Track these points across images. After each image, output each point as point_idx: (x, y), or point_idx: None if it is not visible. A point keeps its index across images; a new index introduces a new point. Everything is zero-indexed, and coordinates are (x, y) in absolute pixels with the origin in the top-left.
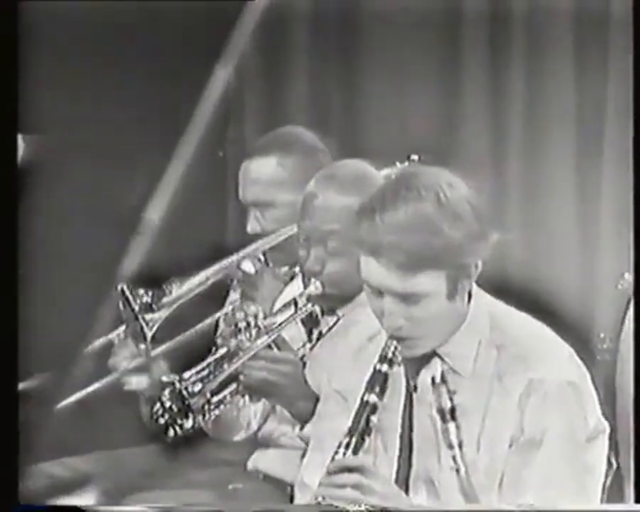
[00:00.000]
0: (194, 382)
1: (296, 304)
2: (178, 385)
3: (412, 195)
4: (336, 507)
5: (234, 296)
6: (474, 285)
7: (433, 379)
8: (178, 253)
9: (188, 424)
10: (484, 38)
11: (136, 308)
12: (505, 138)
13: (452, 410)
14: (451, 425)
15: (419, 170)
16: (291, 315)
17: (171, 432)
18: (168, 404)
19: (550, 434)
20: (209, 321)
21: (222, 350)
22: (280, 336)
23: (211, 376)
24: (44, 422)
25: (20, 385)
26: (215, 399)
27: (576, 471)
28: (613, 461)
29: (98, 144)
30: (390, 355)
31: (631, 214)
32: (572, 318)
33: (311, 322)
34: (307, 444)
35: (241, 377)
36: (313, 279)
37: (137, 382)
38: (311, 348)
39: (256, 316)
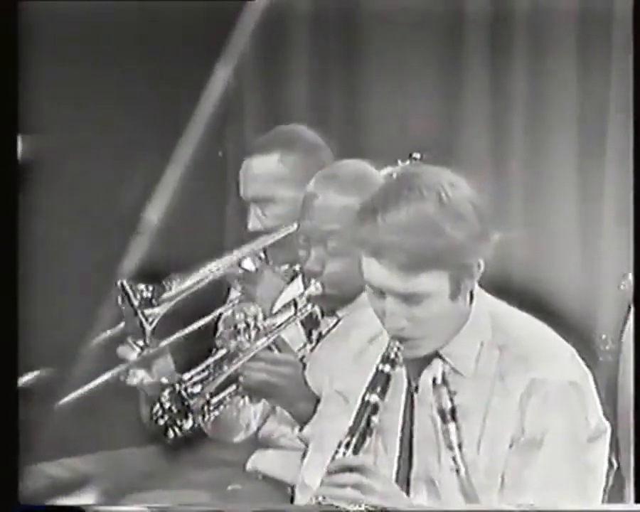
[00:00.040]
0: (194, 384)
1: (295, 304)
2: (177, 386)
3: (414, 195)
4: (337, 507)
5: (235, 294)
6: (476, 285)
7: (434, 380)
8: (177, 253)
9: (188, 425)
10: (486, 37)
11: (136, 303)
12: (507, 138)
13: (452, 411)
14: (452, 426)
15: (421, 170)
16: (291, 316)
17: (171, 433)
18: (167, 405)
19: (551, 434)
20: (211, 317)
21: (222, 352)
22: (280, 337)
23: (211, 377)
24: (44, 421)
25: (22, 380)
26: (214, 400)
27: (577, 471)
28: (614, 461)
29: (98, 144)
30: (392, 355)
31: (631, 214)
32: (573, 319)
33: (310, 323)
34: (307, 445)
35: (241, 378)
36: (313, 280)
37: (141, 376)
38: (311, 349)
39: (255, 317)
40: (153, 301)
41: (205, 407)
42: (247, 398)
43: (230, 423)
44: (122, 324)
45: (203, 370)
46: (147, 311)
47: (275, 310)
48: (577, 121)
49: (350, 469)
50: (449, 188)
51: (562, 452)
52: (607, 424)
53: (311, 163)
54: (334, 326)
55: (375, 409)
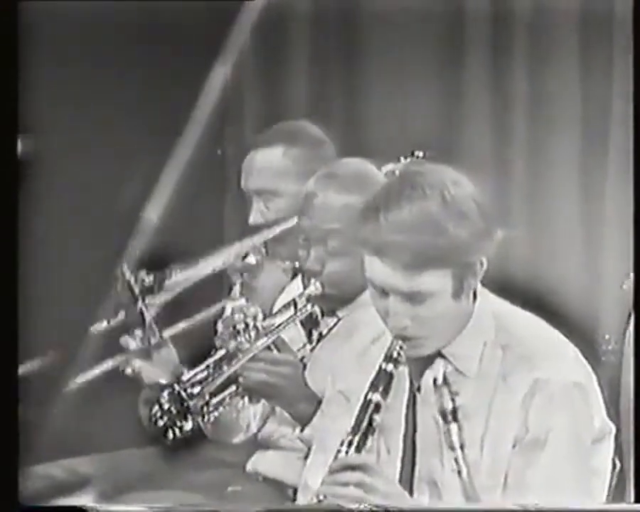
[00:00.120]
0: (193, 384)
1: (295, 304)
2: (177, 386)
3: (416, 194)
4: (339, 506)
5: (237, 289)
6: (479, 285)
7: (435, 380)
8: (176, 251)
9: (187, 426)
10: (488, 37)
11: (137, 290)
12: (509, 138)
13: (454, 411)
14: (453, 426)
15: (424, 168)
16: (291, 316)
17: (170, 434)
18: (167, 406)
19: (555, 435)
20: (213, 311)
21: (222, 352)
22: (279, 337)
23: (210, 378)
24: (44, 422)
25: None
26: (214, 400)
27: (580, 472)
28: (617, 462)
29: (98, 144)
30: (395, 354)
31: (631, 215)
32: (576, 319)
33: (310, 323)
34: (308, 446)
35: (240, 378)
36: (313, 280)
37: (141, 366)
38: (311, 350)
39: (255, 318)
40: (155, 288)
41: (205, 408)
42: (246, 399)
43: (230, 424)
44: (122, 315)
45: (203, 371)
46: (148, 300)
47: (275, 310)
48: (579, 121)
49: (353, 468)
50: (451, 186)
51: (566, 453)
52: (612, 425)
53: (314, 157)
54: (334, 326)
55: (378, 408)
